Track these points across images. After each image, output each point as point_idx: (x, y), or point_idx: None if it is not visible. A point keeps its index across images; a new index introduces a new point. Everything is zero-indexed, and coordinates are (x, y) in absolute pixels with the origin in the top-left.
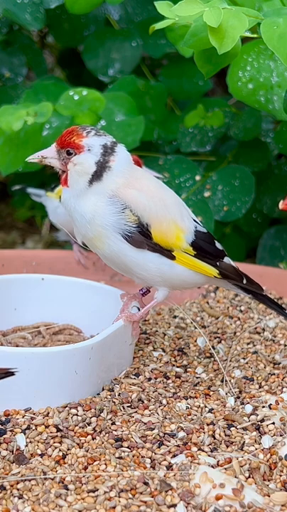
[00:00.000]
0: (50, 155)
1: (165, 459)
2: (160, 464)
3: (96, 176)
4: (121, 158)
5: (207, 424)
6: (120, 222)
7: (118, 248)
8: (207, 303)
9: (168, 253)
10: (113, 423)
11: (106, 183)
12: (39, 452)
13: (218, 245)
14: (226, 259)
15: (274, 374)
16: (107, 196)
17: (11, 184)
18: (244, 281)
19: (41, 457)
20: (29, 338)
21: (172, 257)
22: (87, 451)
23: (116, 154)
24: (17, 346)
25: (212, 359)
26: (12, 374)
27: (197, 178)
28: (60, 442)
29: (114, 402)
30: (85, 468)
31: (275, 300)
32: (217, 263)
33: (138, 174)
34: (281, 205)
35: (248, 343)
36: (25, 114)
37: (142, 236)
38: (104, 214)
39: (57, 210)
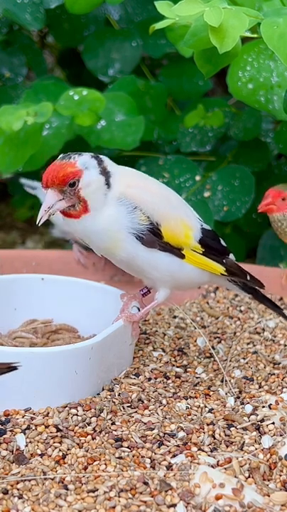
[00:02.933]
0: (53, 201)
1: (165, 459)
2: (160, 463)
3: (107, 184)
4: (108, 161)
5: (207, 424)
6: (133, 221)
7: (134, 250)
8: (207, 303)
9: (177, 252)
10: (113, 423)
11: (115, 187)
12: (39, 452)
13: (223, 242)
14: (231, 256)
15: (274, 374)
16: (115, 199)
17: (12, 185)
18: (248, 278)
19: (41, 457)
20: (31, 337)
21: (182, 256)
22: (87, 451)
23: (103, 159)
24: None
25: (212, 359)
26: (15, 368)
27: (197, 178)
28: (60, 442)
29: (114, 402)
30: (85, 468)
31: (276, 300)
32: (224, 260)
33: (134, 174)
34: (260, 208)
35: (248, 343)
36: (25, 114)
37: (153, 236)
38: (116, 217)
39: None
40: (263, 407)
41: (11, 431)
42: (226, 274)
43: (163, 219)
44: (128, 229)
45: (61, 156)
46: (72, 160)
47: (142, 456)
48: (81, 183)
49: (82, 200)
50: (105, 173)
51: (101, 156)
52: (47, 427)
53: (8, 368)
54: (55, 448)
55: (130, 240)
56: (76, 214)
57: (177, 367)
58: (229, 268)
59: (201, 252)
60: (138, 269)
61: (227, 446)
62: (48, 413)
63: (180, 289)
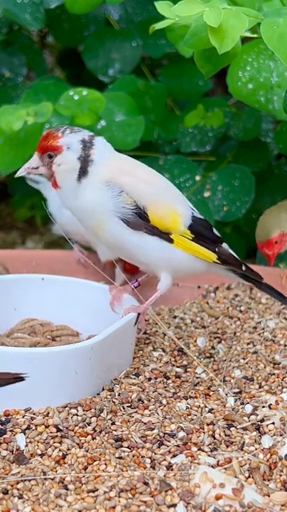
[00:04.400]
0: (34, 164)
1: (165, 459)
2: (160, 464)
3: (83, 171)
4: (101, 149)
5: (207, 424)
6: (118, 205)
7: (119, 233)
8: (207, 303)
9: (165, 236)
10: (113, 423)
11: (94, 175)
12: (39, 452)
13: (215, 232)
14: (224, 245)
15: (274, 374)
16: (103, 183)
17: (12, 185)
18: (243, 268)
19: (41, 457)
20: (27, 337)
21: (171, 240)
22: (87, 451)
23: (95, 147)
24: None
25: (212, 359)
26: (22, 379)
27: (197, 178)
28: (60, 442)
29: (114, 402)
30: (85, 468)
31: (275, 301)
32: (216, 249)
33: (128, 161)
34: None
35: (248, 343)
36: (25, 114)
37: (140, 219)
38: (102, 200)
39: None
40: (263, 407)
41: (11, 431)
42: (218, 262)
43: (150, 203)
44: (112, 212)
45: (59, 126)
46: (59, 134)
47: (142, 456)
48: (57, 158)
49: (53, 175)
50: (85, 160)
51: (94, 141)
52: (47, 427)
53: (16, 378)
54: (55, 448)
55: (114, 222)
56: (52, 185)
57: (177, 367)
58: (221, 256)
59: (190, 238)
60: (129, 254)
61: (227, 446)
62: (48, 413)
63: (179, 277)
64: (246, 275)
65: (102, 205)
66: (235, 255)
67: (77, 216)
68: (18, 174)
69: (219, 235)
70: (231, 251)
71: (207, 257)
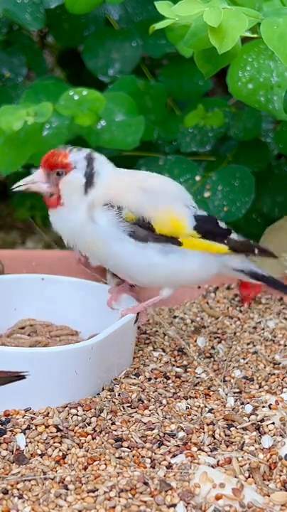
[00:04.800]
0: (39, 179)
1: (165, 459)
2: (160, 463)
3: (89, 184)
4: (102, 162)
5: (207, 424)
6: (121, 223)
7: (122, 252)
8: (207, 303)
9: (174, 241)
10: (113, 423)
11: (99, 185)
12: (39, 452)
13: (222, 224)
14: (234, 235)
15: (274, 374)
16: (100, 205)
17: (12, 185)
18: (256, 252)
19: (41, 457)
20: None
21: (179, 243)
22: (87, 451)
23: (96, 160)
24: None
25: (212, 359)
26: (23, 377)
27: (197, 178)
28: (60, 442)
29: (114, 402)
30: (85, 468)
31: (276, 300)
32: (225, 241)
33: (124, 176)
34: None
35: (248, 343)
36: (25, 114)
37: (145, 230)
38: (103, 228)
39: None
40: (263, 407)
41: (11, 431)
42: (230, 252)
43: (154, 215)
44: (119, 234)
45: (65, 145)
46: (67, 151)
47: (142, 456)
48: (65, 177)
49: (58, 193)
50: (90, 175)
51: (94, 157)
52: (47, 427)
53: (17, 376)
54: (55, 448)
55: (119, 241)
56: (52, 203)
57: (177, 367)
58: (232, 246)
59: (199, 237)
60: (132, 273)
61: (227, 446)
62: (48, 413)
63: (190, 285)
64: (256, 274)
65: (105, 231)
66: (247, 240)
67: (67, 234)
68: (16, 187)
69: (226, 227)
70: (241, 238)
71: (219, 250)
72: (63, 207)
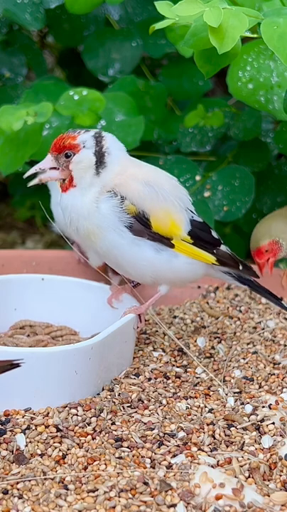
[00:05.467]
0: (47, 165)
1: (165, 459)
2: (160, 463)
3: (100, 164)
4: (112, 141)
5: (207, 424)
6: (121, 216)
7: (118, 242)
8: (207, 303)
9: (167, 242)
10: (113, 423)
11: (110, 167)
12: (39, 452)
13: (214, 234)
14: (223, 247)
15: (274, 374)
16: (105, 192)
17: (12, 185)
18: (240, 268)
19: (41, 457)
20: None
21: (172, 245)
22: (87, 451)
23: (105, 138)
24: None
25: (212, 359)
26: (18, 366)
27: (197, 178)
28: (60, 442)
29: (114, 402)
30: (85, 468)
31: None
32: (214, 251)
33: (131, 164)
34: (264, 274)
35: (248, 343)
36: (25, 114)
37: (142, 225)
38: (106, 215)
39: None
40: (263, 407)
41: (11, 431)
42: (217, 264)
43: (152, 210)
44: (115, 219)
45: (70, 129)
46: (76, 134)
47: (142, 456)
48: (75, 157)
49: (69, 175)
50: (100, 153)
51: (103, 136)
52: (47, 427)
53: (12, 365)
54: (55, 448)
55: (116, 231)
56: (65, 186)
57: (177, 367)
58: (219, 258)
59: (191, 243)
60: (126, 265)
61: (227, 446)
62: (48, 413)
63: (176, 285)
64: (242, 278)
65: (107, 219)
66: (233, 255)
67: (81, 220)
68: (28, 174)
69: (217, 237)
70: (229, 251)
71: (207, 260)
72: (75, 188)
